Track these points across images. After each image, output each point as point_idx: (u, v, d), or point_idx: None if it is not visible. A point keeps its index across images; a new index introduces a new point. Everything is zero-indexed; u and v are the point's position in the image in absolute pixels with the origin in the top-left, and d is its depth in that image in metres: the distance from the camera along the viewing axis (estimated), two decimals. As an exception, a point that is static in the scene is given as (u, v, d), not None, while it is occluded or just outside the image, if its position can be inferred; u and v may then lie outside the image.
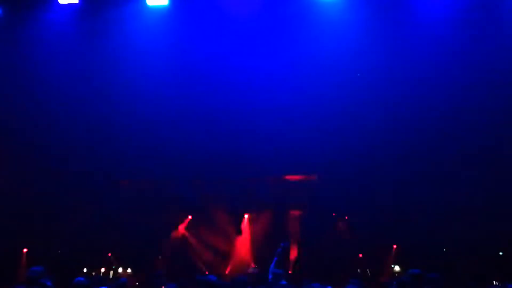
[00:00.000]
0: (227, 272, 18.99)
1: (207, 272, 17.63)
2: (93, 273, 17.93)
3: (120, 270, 18.81)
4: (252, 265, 20.04)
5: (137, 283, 16.92)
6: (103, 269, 18.73)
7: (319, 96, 10.18)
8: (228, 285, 6.50)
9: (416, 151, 12.49)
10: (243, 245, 19.92)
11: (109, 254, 19.04)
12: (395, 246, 16.50)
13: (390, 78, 9.47)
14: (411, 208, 14.07)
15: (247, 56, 9.23)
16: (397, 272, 16.51)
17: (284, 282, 6.10)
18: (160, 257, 19.76)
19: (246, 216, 19.23)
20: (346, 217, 17.39)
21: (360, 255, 17.97)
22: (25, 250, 14.80)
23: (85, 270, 17.27)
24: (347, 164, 13.50)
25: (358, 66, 9.39)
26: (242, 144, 13.53)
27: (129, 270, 18.10)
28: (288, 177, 15.58)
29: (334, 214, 17.46)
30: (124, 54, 9.12)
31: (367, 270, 17.63)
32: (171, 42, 9.12)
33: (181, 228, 20.19)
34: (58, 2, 9.22)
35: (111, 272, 18.52)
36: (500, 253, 13.82)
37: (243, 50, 9.14)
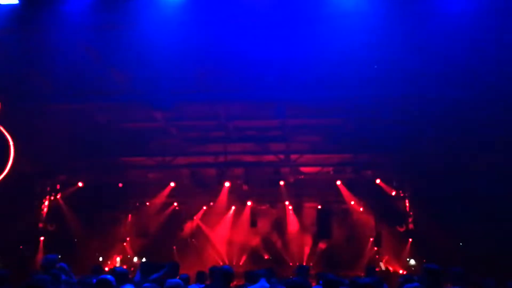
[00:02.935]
0: (241, 263, 19.07)
1: (221, 263, 17.72)
2: (108, 262, 18.15)
3: (135, 259, 19.00)
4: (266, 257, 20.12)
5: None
6: (118, 258, 18.92)
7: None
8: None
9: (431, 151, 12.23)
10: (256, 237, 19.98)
11: (124, 244, 19.25)
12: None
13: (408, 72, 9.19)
14: None
15: (262, 48, 9.05)
16: (413, 266, 16.33)
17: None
18: (175, 247, 19.95)
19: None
20: None
21: (375, 248, 17.86)
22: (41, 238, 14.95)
23: (100, 259, 17.46)
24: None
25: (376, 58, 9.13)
26: None
27: (144, 259, 18.25)
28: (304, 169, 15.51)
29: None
30: (141, 47, 9.00)
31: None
32: (187, 35, 8.97)
33: (196, 218, 20.29)
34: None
35: (118, 260, 18.74)
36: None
37: (258, 41, 8.96)
